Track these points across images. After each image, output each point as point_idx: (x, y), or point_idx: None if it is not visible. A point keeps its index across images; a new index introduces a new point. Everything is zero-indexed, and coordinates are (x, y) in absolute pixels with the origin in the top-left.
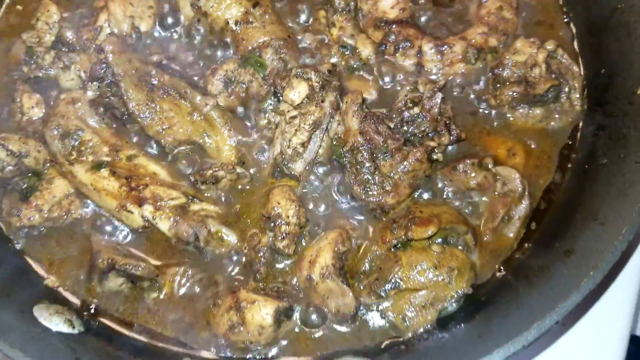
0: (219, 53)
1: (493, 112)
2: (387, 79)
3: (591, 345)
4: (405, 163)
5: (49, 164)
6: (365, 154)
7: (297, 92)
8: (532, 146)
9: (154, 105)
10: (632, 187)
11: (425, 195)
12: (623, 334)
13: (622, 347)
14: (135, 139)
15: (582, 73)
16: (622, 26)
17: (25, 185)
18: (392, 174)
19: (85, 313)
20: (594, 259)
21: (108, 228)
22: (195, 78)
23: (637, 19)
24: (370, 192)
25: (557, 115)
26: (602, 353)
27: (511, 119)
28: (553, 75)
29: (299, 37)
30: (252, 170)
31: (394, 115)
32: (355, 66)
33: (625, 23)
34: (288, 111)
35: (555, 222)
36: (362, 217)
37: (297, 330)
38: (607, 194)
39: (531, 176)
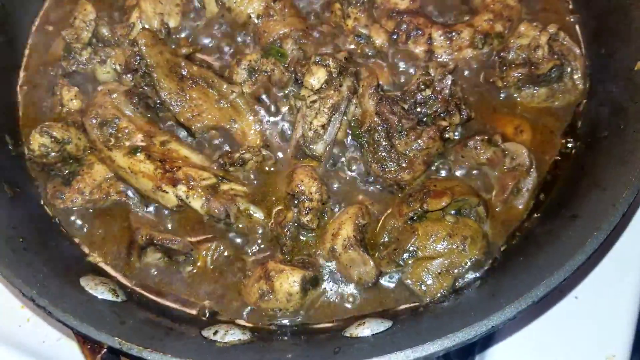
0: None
1: (500, 92)
2: (400, 65)
3: (603, 308)
4: (419, 141)
5: (88, 151)
6: (381, 133)
7: (317, 77)
8: (538, 124)
9: (184, 94)
10: (632, 154)
11: (439, 172)
12: (634, 291)
13: (635, 305)
14: (167, 126)
15: (583, 54)
16: (620, 9)
17: (67, 171)
18: (407, 152)
19: (126, 285)
20: (597, 221)
21: (145, 208)
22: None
23: (633, 1)
24: (387, 169)
25: (560, 95)
26: (614, 315)
27: (517, 98)
28: (555, 56)
29: (317, 28)
30: (276, 152)
31: (407, 97)
32: (369, 54)
33: (622, 6)
34: (308, 96)
35: (561, 192)
36: (380, 193)
37: (323, 297)
38: (609, 162)
39: (538, 151)
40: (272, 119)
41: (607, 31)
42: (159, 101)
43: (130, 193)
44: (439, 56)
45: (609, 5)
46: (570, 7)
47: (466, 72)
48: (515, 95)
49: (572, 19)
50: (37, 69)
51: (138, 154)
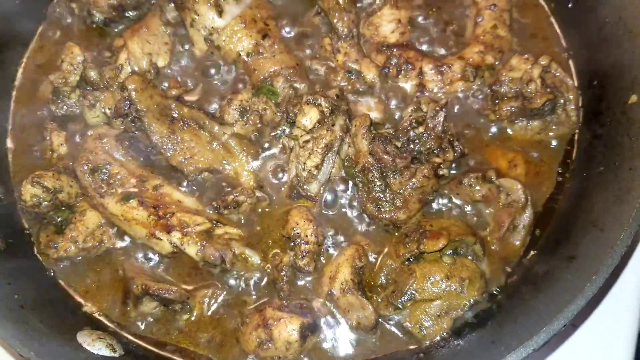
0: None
1: (493, 125)
2: (391, 100)
3: (601, 344)
4: (413, 180)
5: (80, 197)
6: (375, 173)
7: (309, 117)
8: (532, 157)
9: (175, 137)
10: (628, 193)
11: (434, 208)
12: (630, 331)
13: (631, 343)
14: (159, 169)
15: (575, 85)
16: (611, 40)
17: (60, 219)
18: (401, 191)
19: (123, 336)
20: (595, 264)
21: (139, 255)
22: (214, 105)
23: (625, 32)
24: (382, 209)
25: (554, 127)
26: (612, 351)
27: (510, 132)
28: (548, 90)
29: (307, 64)
30: (270, 192)
31: (400, 135)
32: (361, 90)
33: (614, 36)
34: (301, 136)
35: (557, 228)
36: (375, 232)
37: (322, 343)
38: (605, 200)
39: (532, 185)
40: (265, 159)
41: (599, 62)
42: (150, 145)
43: (123, 240)
44: (431, 90)
45: (600, 36)
46: (560, 34)
47: (458, 106)
48: (508, 128)
49: (563, 46)
50: (25, 112)
51: (131, 201)
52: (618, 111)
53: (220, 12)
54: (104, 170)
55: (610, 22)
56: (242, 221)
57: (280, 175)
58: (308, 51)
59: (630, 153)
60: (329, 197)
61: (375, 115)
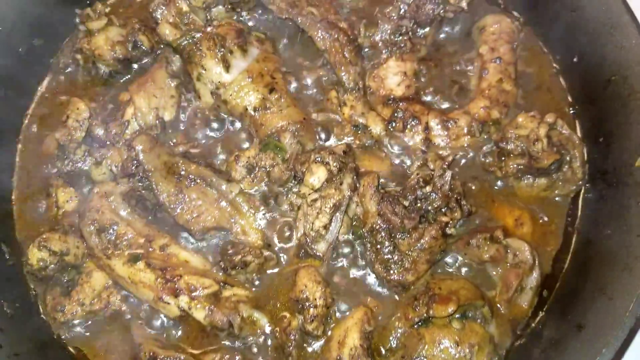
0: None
1: (499, 182)
2: (398, 155)
3: None
4: (422, 241)
5: (87, 258)
6: (383, 234)
7: (317, 177)
8: (539, 214)
9: (182, 196)
10: (637, 261)
11: (442, 267)
12: None
13: None
14: (166, 226)
15: (581, 141)
16: (617, 97)
17: (66, 279)
18: (410, 252)
19: None
20: (605, 335)
21: (146, 318)
22: (221, 156)
23: (631, 92)
24: (391, 271)
25: (560, 184)
26: None
27: (517, 188)
28: (554, 149)
29: (314, 116)
30: (277, 251)
31: (408, 194)
32: (367, 144)
33: (620, 95)
34: (309, 194)
35: (566, 291)
36: (383, 293)
37: None
38: (613, 266)
39: (539, 244)
40: (272, 217)
41: (605, 119)
42: (157, 203)
43: (130, 302)
44: (437, 145)
45: (605, 93)
46: (565, 87)
47: (464, 161)
48: (514, 185)
49: (568, 99)
50: (30, 167)
51: (138, 263)
52: (625, 172)
53: (227, 67)
54: (111, 231)
55: (616, 80)
56: (251, 281)
57: (288, 233)
58: (314, 103)
59: (638, 218)
60: (337, 256)
61: (382, 170)
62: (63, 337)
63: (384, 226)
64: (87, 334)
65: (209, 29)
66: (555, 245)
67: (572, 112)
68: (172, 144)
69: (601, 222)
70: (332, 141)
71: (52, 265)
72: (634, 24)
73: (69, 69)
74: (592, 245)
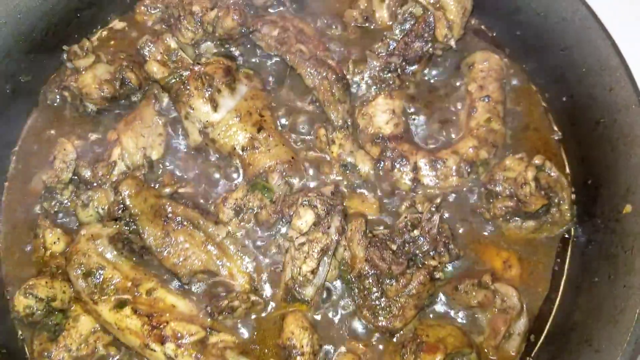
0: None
1: (487, 223)
2: (386, 195)
3: None
4: (409, 286)
5: (73, 302)
6: (371, 280)
7: (305, 220)
8: (527, 256)
9: (169, 239)
10: (622, 313)
11: (430, 311)
12: None
13: None
14: (152, 268)
15: (569, 182)
16: (606, 140)
17: (53, 323)
18: (397, 298)
19: None
20: None
21: None
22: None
23: (619, 136)
24: (379, 317)
25: (548, 225)
26: None
27: (505, 230)
28: (543, 192)
29: (302, 155)
30: (265, 294)
31: (396, 237)
32: (356, 184)
33: (609, 138)
34: (296, 238)
35: (553, 339)
36: (371, 338)
37: None
38: (599, 317)
39: (528, 287)
40: (260, 259)
41: (594, 162)
42: (144, 246)
43: (118, 348)
44: (425, 185)
45: (594, 135)
46: (554, 126)
47: (452, 200)
48: (502, 226)
49: (556, 139)
50: (16, 207)
51: (124, 309)
52: (612, 218)
53: (215, 107)
54: (98, 275)
55: (605, 122)
56: (237, 326)
57: (275, 276)
58: (303, 141)
59: (625, 268)
60: (324, 301)
61: (370, 211)
62: None
63: (372, 272)
64: None
65: (196, 67)
66: (543, 289)
67: (561, 150)
68: (159, 183)
69: (589, 267)
70: (320, 181)
71: (39, 312)
72: (623, 67)
73: (56, 104)
74: (579, 292)
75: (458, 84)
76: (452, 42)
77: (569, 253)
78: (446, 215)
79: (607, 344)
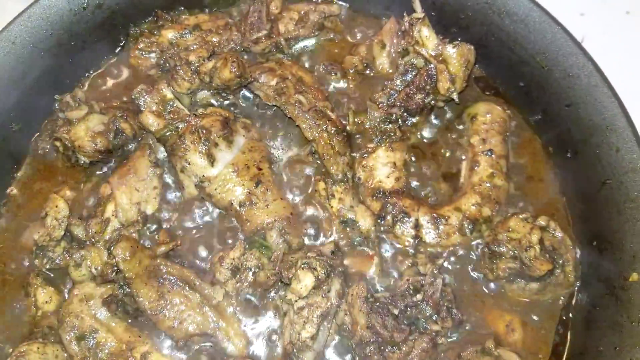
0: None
1: (490, 284)
2: (387, 253)
3: None
4: (412, 354)
5: None
6: (373, 348)
7: (304, 284)
8: (530, 319)
9: (164, 301)
10: None
11: None
12: None
13: None
14: (147, 332)
15: (574, 243)
16: (611, 203)
17: None
18: None
19: None
20: None
21: None
22: (204, 253)
23: (626, 199)
24: None
25: (552, 287)
26: None
27: (508, 290)
28: (547, 255)
29: (301, 209)
30: (263, 359)
31: (397, 301)
32: (356, 242)
33: (614, 201)
34: (295, 301)
35: None
36: None
37: None
38: None
39: (531, 352)
40: (257, 322)
41: (599, 223)
42: (138, 309)
43: None
44: (427, 242)
45: (599, 195)
46: (558, 182)
47: (455, 259)
48: (505, 287)
49: (560, 195)
50: (7, 262)
51: None
52: (618, 285)
53: (212, 162)
54: (91, 339)
55: (611, 184)
56: None
57: (274, 339)
58: (302, 194)
59: (631, 340)
60: None
61: (371, 269)
62: None
63: (374, 339)
64: None
65: (193, 120)
66: (546, 354)
67: (565, 206)
68: (153, 245)
69: (593, 335)
70: (320, 239)
71: None
72: (630, 128)
73: (48, 154)
74: None
75: (459, 134)
76: (455, 96)
77: (572, 317)
78: (448, 275)
79: None
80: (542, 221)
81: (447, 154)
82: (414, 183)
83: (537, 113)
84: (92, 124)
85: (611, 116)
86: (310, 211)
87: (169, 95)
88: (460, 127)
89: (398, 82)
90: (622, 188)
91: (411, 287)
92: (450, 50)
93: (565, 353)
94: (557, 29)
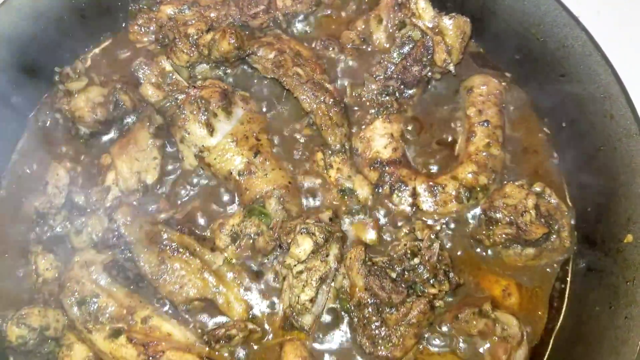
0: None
1: (487, 250)
2: (385, 221)
3: None
4: (409, 315)
5: (67, 330)
6: (371, 309)
7: (303, 249)
8: (526, 284)
9: (165, 266)
10: (624, 345)
11: (429, 339)
12: None
13: None
14: (148, 295)
15: (570, 209)
16: (606, 168)
17: (47, 350)
18: (397, 327)
19: None
20: None
21: None
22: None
23: (620, 165)
24: (378, 347)
25: (548, 253)
26: None
27: (504, 256)
28: (543, 219)
29: (299, 178)
30: (262, 323)
31: (395, 265)
32: (354, 209)
33: (608, 167)
34: (294, 265)
35: None
36: None
37: None
38: (601, 347)
39: (527, 315)
40: (257, 287)
41: (594, 189)
42: (139, 273)
43: None
44: (424, 211)
45: (594, 162)
46: (554, 152)
47: (452, 226)
48: (501, 253)
49: (556, 164)
50: (7, 232)
51: (120, 338)
52: (613, 248)
53: (211, 131)
54: (92, 303)
55: (605, 150)
56: (235, 354)
57: (273, 303)
58: (300, 165)
59: (626, 299)
60: (323, 329)
61: (368, 236)
62: None
63: (372, 301)
64: None
65: (192, 91)
66: (542, 317)
67: (560, 175)
68: (154, 209)
69: (589, 296)
70: (318, 206)
71: (32, 341)
72: (624, 95)
73: (48, 126)
74: (580, 322)
75: (456, 106)
76: (451, 67)
77: (568, 281)
78: (445, 242)
79: None
80: (537, 187)
81: (444, 126)
82: (411, 154)
83: (532, 85)
84: (92, 95)
85: (605, 84)
86: (308, 181)
87: (168, 67)
88: (456, 101)
89: (395, 54)
90: (616, 154)
91: (409, 252)
92: (447, 22)
93: (562, 316)
94: (551, 0)
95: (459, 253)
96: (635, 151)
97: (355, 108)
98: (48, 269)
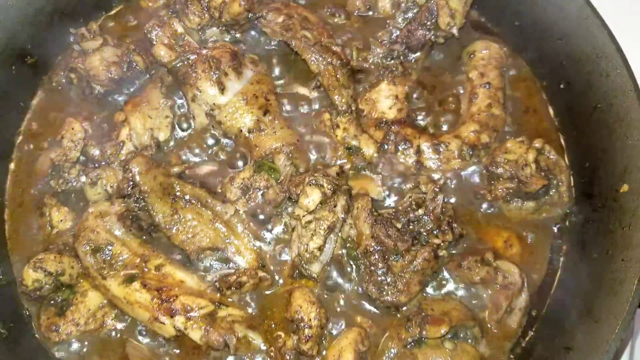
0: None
1: (489, 204)
2: (390, 177)
3: None
4: (414, 263)
5: (81, 278)
6: (377, 256)
7: (311, 199)
8: (527, 236)
9: (177, 216)
10: (621, 285)
11: (433, 287)
12: None
13: None
14: (161, 246)
15: (568, 166)
16: (603, 124)
17: (61, 298)
18: (402, 273)
19: None
20: (592, 358)
21: (141, 337)
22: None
23: (616, 120)
24: (384, 292)
25: (547, 207)
26: None
27: (505, 211)
28: (542, 173)
29: (307, 138)
30: (272, 271)
31: (400, 216)
32: (360, 166)
33: (605, 122)
34: (303, 216)
35: (554, 312)
36: (376, 313)
37: None
38: (599, 289)
39: (528, 265)
40: (267, 237)
41: (592, 145)
42: (152, 223)
43: (126, 322)
44: (428, 167)
45: (591, 119)
46: (552, 111)
47: (455, 182)
48: (503, 207)
49: (554, 123)
50: (23, 186)
51: (133, 283)
52: (610, 197)
53: (222, 89)
54: (106, 251)
55: (602, 107)
56: (246, 301)
57: (282, 253)
58: (308, 125)
59: (623, 243)
60: (330, 277)
61: (375, 191)
62: (58, 356)
63: (378, 248)
64: (82, 353)
65: (204, 51)
66: (543, 266)
67: (558, 133)
68: (167, 165)
69: (587, 245)
70: (325, 163)
71: (47, 286)
72: (619, 54)
73: (62, 86)
74: (578, 268)
75: (459, 70)
76: (455, 30)
77: (567, 232)
78: (449, 196)
79: (606, 315)
80: (537, 144)
81: (447, 89)
82: (416, 115)
83: (531, 50)
84: (107, 54)
85: (601, 44)
86: (315, 139)
87: (180, 29)
88: (459, 66)
89: (400, 19)
90: (612, 110)
91: (413, 203)
92: None
93: (561, 264)
94: None
95: (461, 208)
96: (630, 106)
97: (361, 71)
98: (62, 221)
